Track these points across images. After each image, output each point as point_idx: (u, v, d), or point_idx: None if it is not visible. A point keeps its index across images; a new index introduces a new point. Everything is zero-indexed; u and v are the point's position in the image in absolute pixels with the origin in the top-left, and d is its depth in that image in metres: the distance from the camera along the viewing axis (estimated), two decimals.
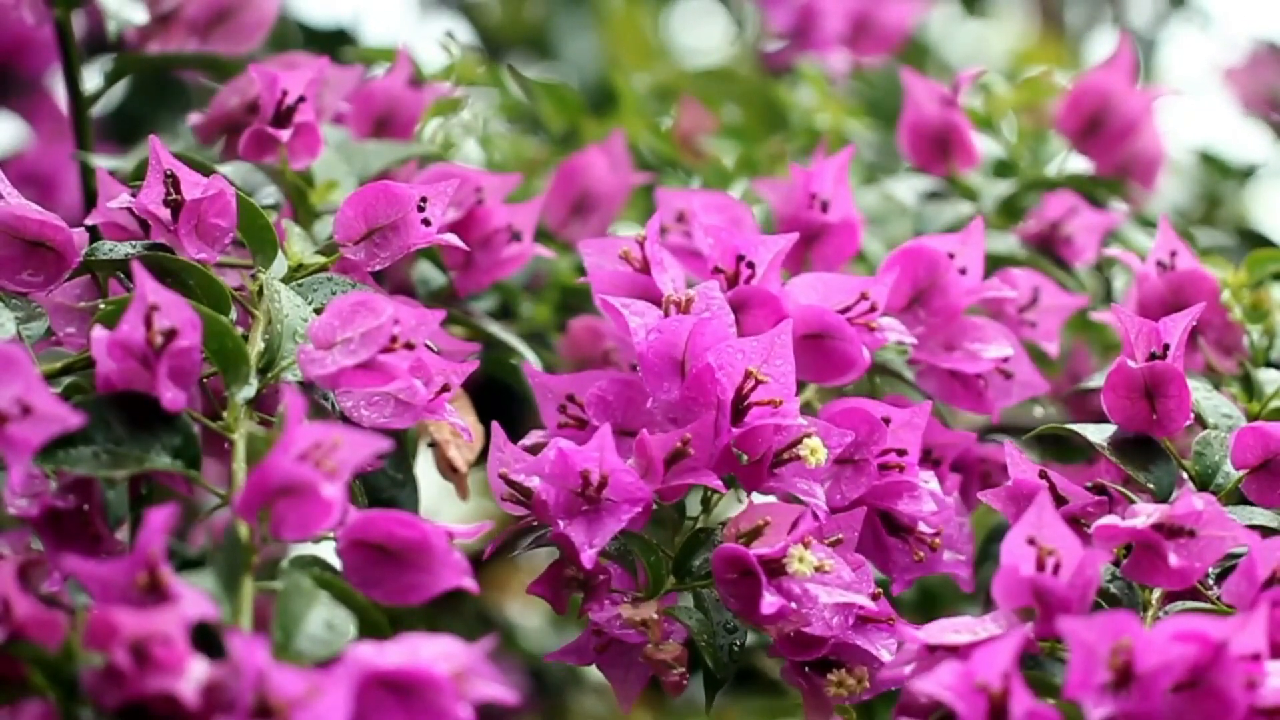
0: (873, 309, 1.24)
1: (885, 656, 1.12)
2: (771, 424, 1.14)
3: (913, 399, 1.29)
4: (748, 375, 1.13)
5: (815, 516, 1.12)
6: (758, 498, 1.16)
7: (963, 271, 1.30)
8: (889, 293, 1.25)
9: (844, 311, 1.23)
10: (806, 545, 1.10)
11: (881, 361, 1.33)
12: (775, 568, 1.10)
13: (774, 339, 1.14)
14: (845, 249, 1.38)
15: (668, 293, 1.18)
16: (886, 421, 1.19)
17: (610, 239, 1.29)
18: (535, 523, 1.17)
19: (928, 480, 1.20)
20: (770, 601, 1.09)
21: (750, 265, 1.23)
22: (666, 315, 1.17)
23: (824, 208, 1.36)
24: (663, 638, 1.13)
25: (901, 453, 1.19)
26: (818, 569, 1.10)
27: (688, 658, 1.14)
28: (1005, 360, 1.30)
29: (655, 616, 1.12)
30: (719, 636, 1.15)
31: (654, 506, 1.13)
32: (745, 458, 1.15)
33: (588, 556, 1.10)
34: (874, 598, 1.12)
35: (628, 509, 1.11)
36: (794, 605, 1.10)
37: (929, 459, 1.27)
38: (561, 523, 1.11)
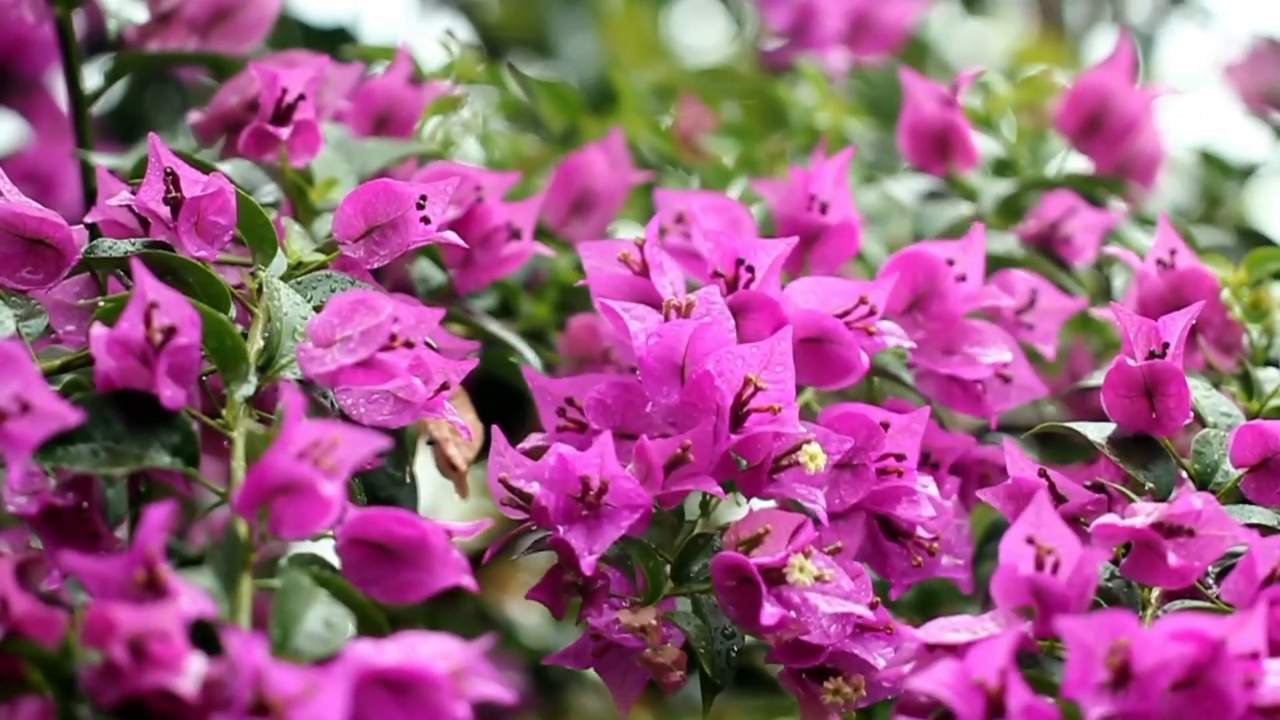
0: (871, 313, 1.23)
1: (882, 665, 1.12)
2: (770, 431, 1.13)
3: (911, 402, 1.29)
4: (747, 382, 1.13)
5: (816, 523, 1.12)
6: (757, 503, 1.16)
7: (962, 278, 1.30)
8: (888, 296, 1.25)
9: (843, 316, 1.23)
10: (807, 554, 1.10)
11: (880, 365, 1.32)
12: (775, 577, 1.10)
13: (773, 346, 1.14)
14: (844, 250, 1.38)
15: (667, 297, 1.18)
16: (885, 426, 1.18)
17: (609, 242, 1.28)
18: (535, 526, 1.16)
19: (926, 484, 1.19)
20: (770, 612, 1.08)
21: (749, 269, 1.22)
22: (666, 320, 1.16)
23: (823, 209, 1.36)
24: (661, 642, 1.12)
25: (900, 457, 1.18)
26: (818, 579, 1.10)
27: (686, 661, 1.14)
28: (1004, 365, 1.30)
29: (654, 622, 1.12)
30: (716, 642, 1.14)
31: (652, 510, 1.13)
32: (744, 463, 1.15)
33: (587, 563, 1.09)
34: (872, 607, 1.12)
35: (627, 515, 1.10)
36: (794, 614, 1.10)
37: (927, 463, 1.27)
38: (561, 528, 1.11)
